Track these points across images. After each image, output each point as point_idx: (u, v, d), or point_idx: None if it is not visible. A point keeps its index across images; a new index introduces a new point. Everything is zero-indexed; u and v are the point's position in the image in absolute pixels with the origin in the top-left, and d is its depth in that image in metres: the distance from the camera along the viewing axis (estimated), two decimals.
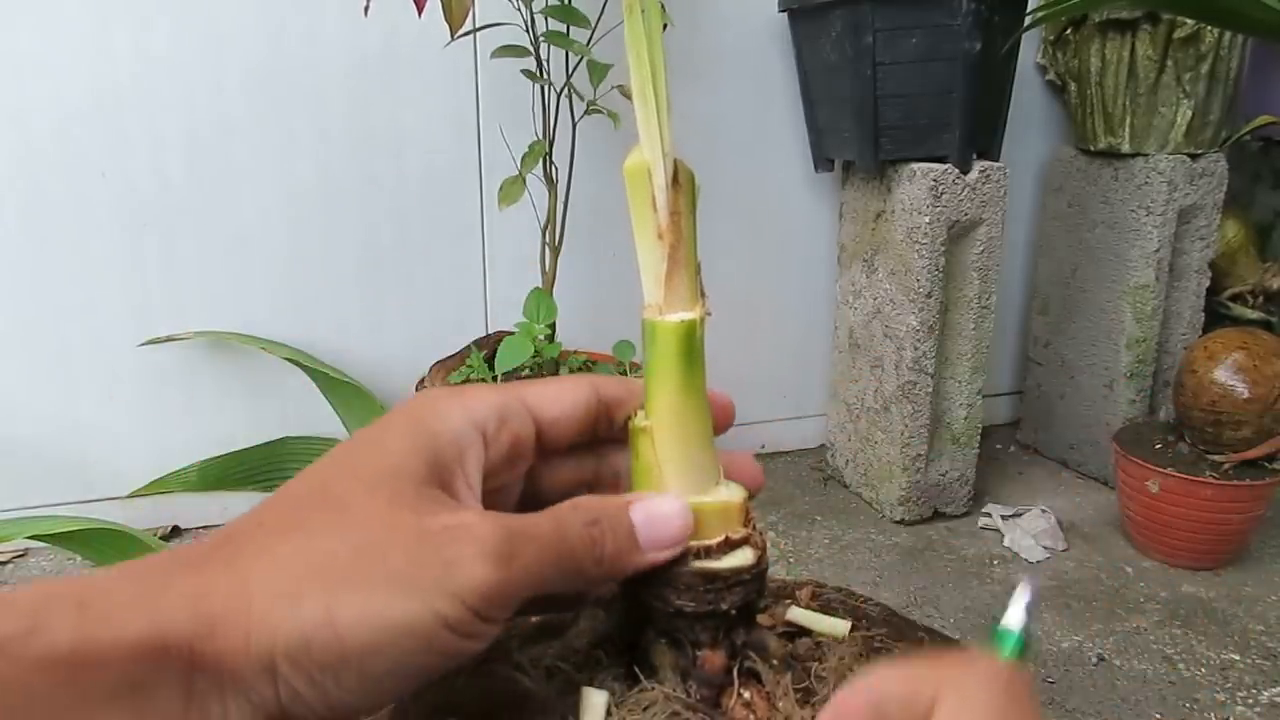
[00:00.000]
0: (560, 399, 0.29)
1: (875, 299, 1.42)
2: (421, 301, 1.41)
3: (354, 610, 0.21)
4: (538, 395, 0.29)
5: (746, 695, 0.29)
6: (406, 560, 0.22)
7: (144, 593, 0.21)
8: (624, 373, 1.22)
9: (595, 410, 0.30)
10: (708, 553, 0.28)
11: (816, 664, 0.30)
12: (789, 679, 0.29)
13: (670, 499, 0.28)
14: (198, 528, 1.38)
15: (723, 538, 0.29)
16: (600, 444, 0.31)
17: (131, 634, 0.20)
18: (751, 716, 0.28)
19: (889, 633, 0.33)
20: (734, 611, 0.29)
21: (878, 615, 0.34)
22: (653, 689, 0.27)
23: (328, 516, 0.23)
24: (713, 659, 0.29)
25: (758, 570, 0.29)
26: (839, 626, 0.32)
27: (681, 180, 0.28)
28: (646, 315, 0.29)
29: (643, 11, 0.26)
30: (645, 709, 0.27)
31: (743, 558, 0.29)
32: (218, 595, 0.21)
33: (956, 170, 1.28)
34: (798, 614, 0.32)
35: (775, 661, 0.30)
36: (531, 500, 0.30)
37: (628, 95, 1.21)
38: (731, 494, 0.30)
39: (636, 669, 0.29)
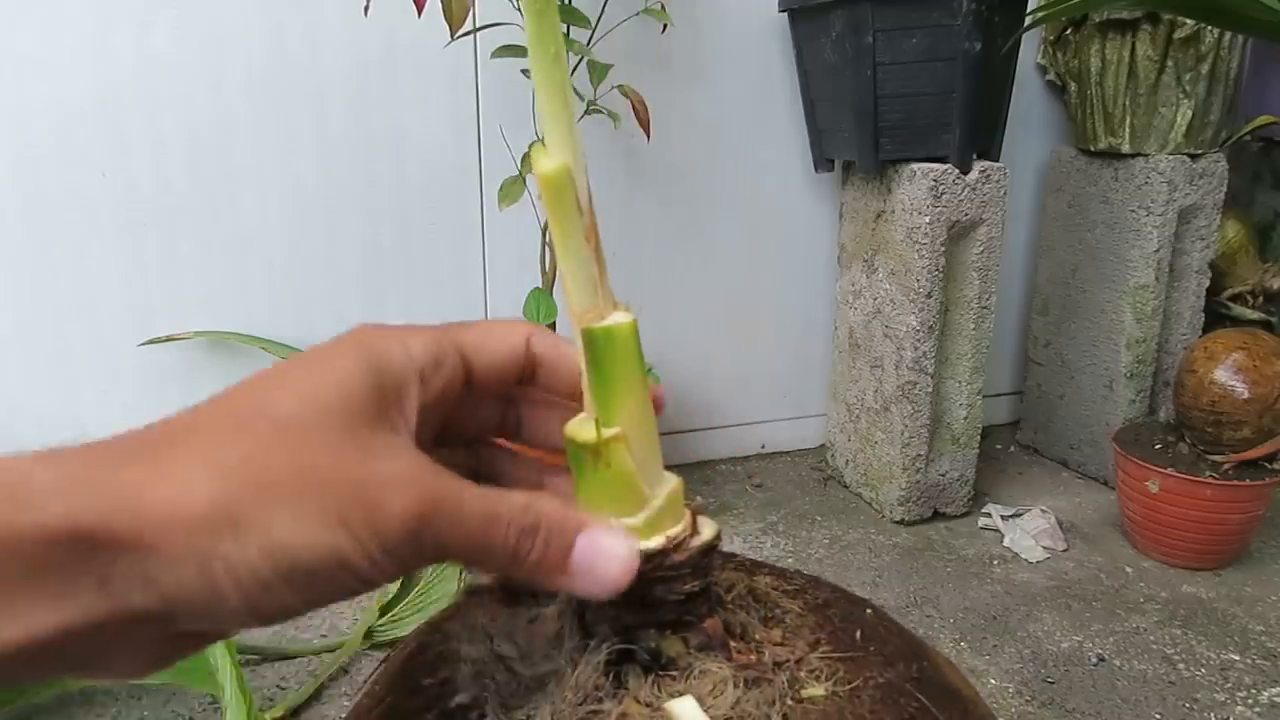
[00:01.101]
0: (495, 348, 0.29)
1: (875, 299, 1.42)
2: (421, 301, 1.41)
3: (294, 532, 0.22)
4: (474, 342, 0.29)
5: (735, 644, 0.30)
6: (342, 494, 0.23)
7: (65, 479, 0.21)
8: None
9: (523, 361, 0.30)
10: (693, 532, 0.29)
11: (734, 594, 0.32)
12: (746, 615, 0.31)
13: (623, 538, 0.27)
14: None
15: (690, 514, 0.30)
16: (515, 389, 0.31)
17: (49, 518, 0.20)
18: (755, 657, 0.29)
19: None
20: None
21: None
22: (717, 669, 0.28)
23: (273, 429, 0.23)
24: (716, 624, 0.30)
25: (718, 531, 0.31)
26: None
27: (588, 180, 0.28)
28: (589, 323, 0.28)
29: (558, 9, 0.26)
30: (723, 694, 0.27)
31: (710, 525, 0.30)
32: (150, 491, 0.21)
33: (956, 170, 1.28)
34: None
35: (732, 606, 0.31)
36: (439, 433, 0.30)
37: (628, 95, 1.21)
38: (671, 476, 0.30)
39: (645, 668, 0.29)
